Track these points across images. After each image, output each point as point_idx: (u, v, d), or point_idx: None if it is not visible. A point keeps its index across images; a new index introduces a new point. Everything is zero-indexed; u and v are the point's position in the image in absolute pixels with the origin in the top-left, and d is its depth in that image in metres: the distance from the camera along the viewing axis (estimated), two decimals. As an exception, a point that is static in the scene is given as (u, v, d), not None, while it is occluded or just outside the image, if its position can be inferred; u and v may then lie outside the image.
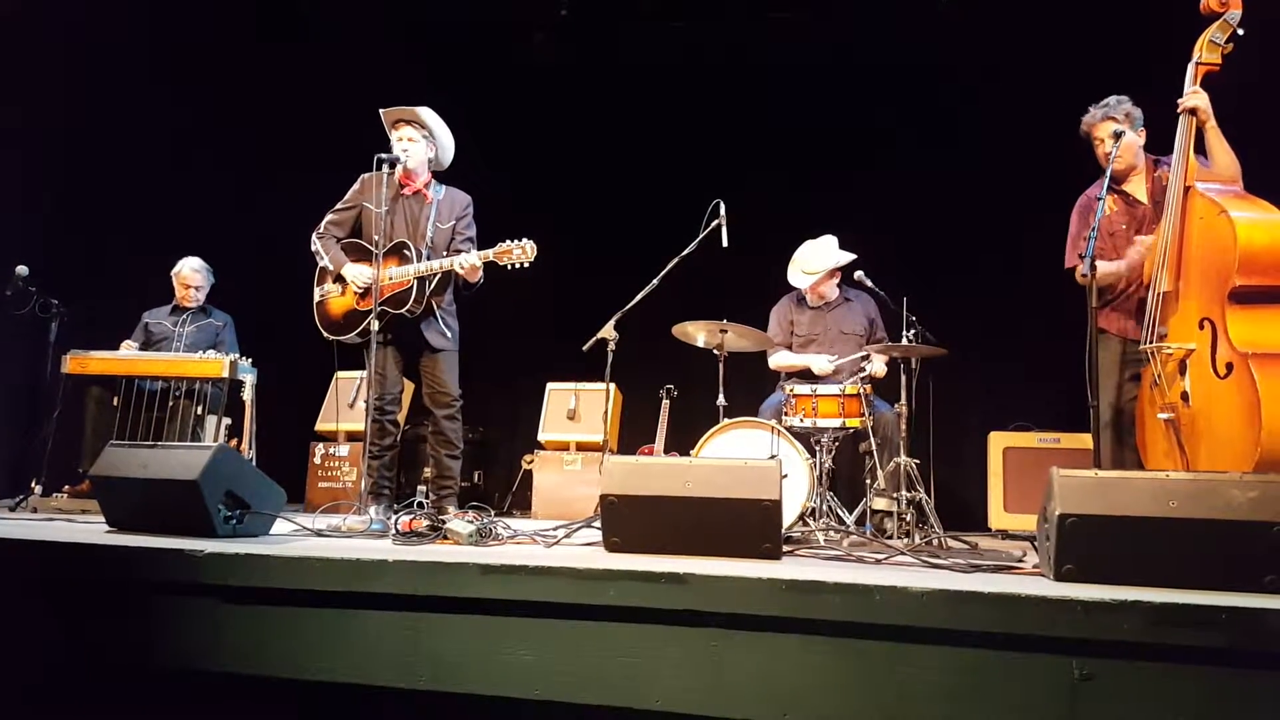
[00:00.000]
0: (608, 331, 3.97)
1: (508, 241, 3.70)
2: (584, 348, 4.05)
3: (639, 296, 3.99)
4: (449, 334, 3.92)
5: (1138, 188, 3.51)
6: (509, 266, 3.71)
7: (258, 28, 6.10)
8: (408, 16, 6.29)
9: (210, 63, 6.01)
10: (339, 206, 3.99)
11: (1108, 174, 3.33)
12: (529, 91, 6.54)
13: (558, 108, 6.49)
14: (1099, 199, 3.29)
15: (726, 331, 4.08)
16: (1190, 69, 3.20)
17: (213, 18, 5.93)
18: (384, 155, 3.73)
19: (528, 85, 6.54)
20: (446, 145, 4.04)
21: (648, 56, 6.29)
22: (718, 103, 6.21)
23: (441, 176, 4.10)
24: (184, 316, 5.04)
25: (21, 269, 4.57)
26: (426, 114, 3.93)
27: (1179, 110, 3.19)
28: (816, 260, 4.52)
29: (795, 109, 6.04)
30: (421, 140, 3.91)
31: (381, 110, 3.93)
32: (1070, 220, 3.61)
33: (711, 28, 6.19)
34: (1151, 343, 3.12)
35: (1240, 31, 3.14)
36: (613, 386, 4.17)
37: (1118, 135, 3.37)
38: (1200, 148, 3.21)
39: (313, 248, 3.95)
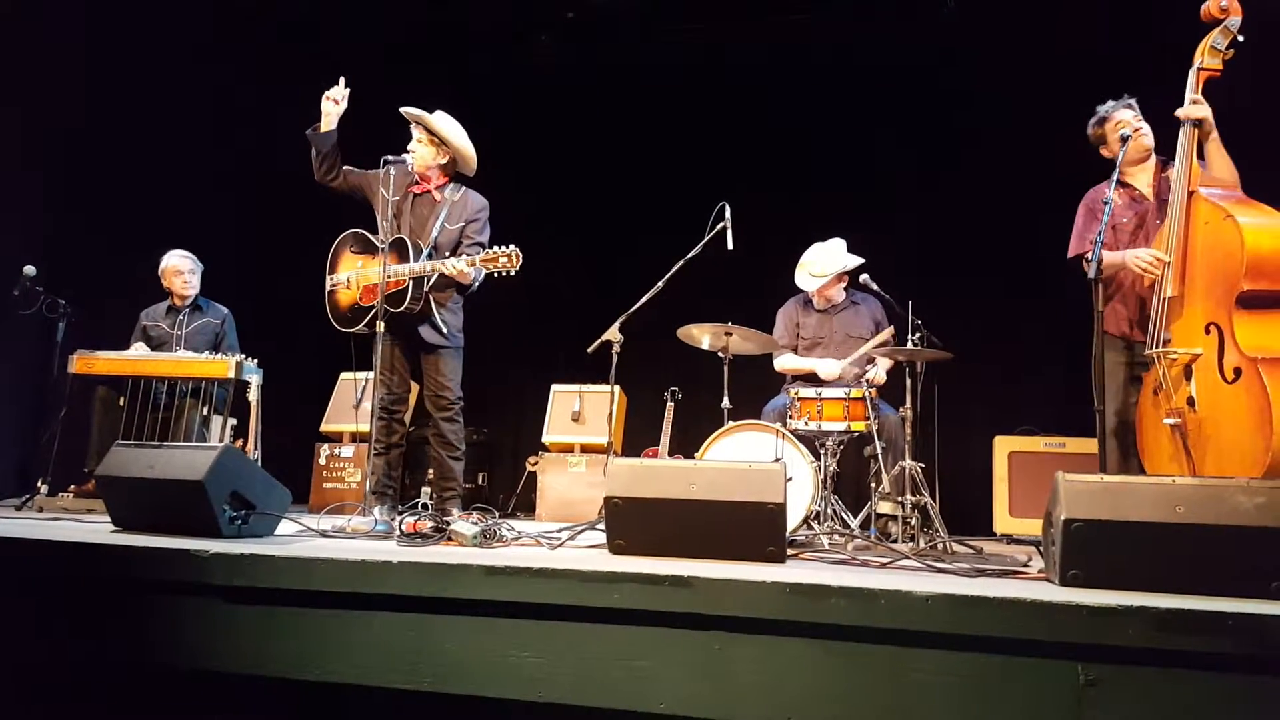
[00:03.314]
0: (613, 334, 3.97)
1: (495, 248, 3.65)
2: (589, 350, 4.05)
3: (644, 299, 4.00)
4: (444, 330, 3.89)
5: (1143, 182, 3.51)
6: (496, 274, 3.66)
7: (258, 26, 6.11)
8: (411, 17, 6.30)
9: (212, 61, 6.03)
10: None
11: (1115, 168, 3.34)
12: (533, 94, 6.55)
13: (561, 111, 6.50)
14: (1105, 202, 3.23)
15: (731, 334, 4.08)
16: (1191, 75, 3.22)
17: (213, 16, 5.95)
18: (390, 158, 3.77)
19: (531, 88, 6.55)
20: (464, 151, 3.97)
21: (650, 59, 6.30)
22: (722, 105, 6.21)
23: (467, 180, 4.07)
24: (180, 317, 5.02)
25: (29, 269, 4.60)
26: (437, 120, 3.91)
27: (1179, 116, 3.20)
28: (824, 263, 4.52)
29: (801, 111, 6.05)
30: (429, 145, 3.91)
31: (401, 109, 3.94)
32: (1077, 213, 3.60)
33: (714, 30, 6.20)
34: (1157, 348, 3.11)
35: (1241, 38, 3.16)
36: (617, 389, 4.17)
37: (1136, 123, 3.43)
38: (1200, 153, 3.22)
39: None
